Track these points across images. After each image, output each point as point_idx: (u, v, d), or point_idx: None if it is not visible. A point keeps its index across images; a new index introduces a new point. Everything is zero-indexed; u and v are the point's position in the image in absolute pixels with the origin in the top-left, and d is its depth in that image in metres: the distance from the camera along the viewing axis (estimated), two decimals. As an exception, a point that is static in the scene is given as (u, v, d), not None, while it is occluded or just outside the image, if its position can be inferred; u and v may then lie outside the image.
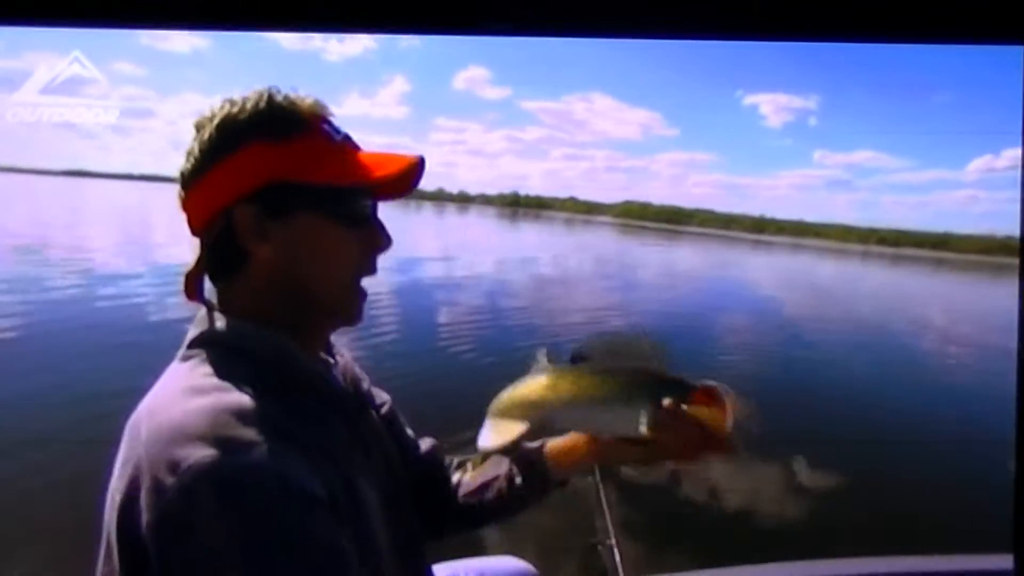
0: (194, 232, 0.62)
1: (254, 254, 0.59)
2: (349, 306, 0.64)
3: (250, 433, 0.48)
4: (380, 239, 0.64)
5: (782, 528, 3.28)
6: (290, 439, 0.51)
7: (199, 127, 0.61)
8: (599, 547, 1.23)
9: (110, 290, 7.54)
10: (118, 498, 0.50)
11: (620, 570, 1.18)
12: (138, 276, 8.61)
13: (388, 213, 0.66)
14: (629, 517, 3.17)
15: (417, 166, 0.63)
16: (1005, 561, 0.83)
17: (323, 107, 0.63)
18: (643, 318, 9.27)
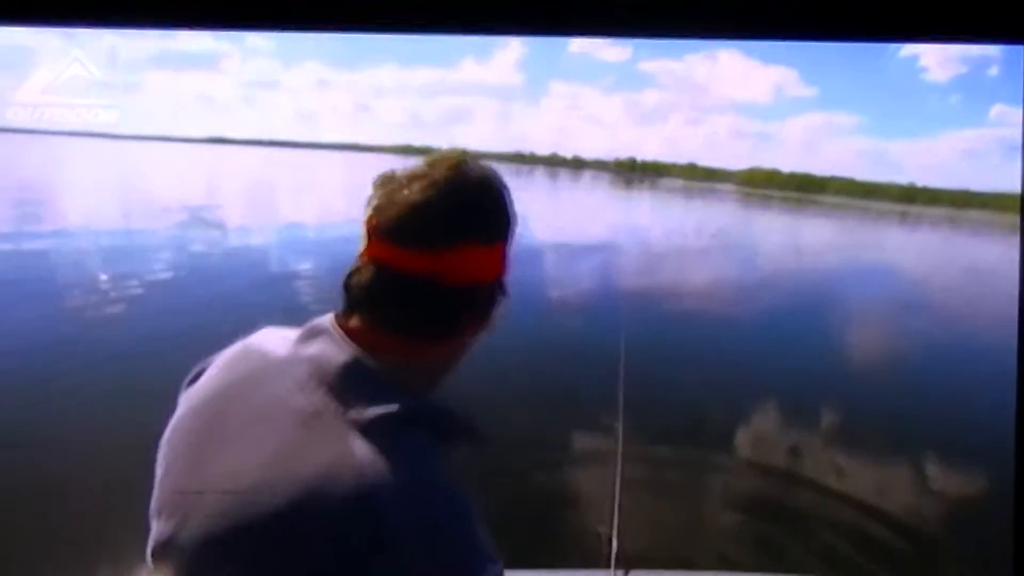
0: (423, 280, 0.56)
1: (463, 330, 0.60)
2: None
3: (488, 544, 0.55)
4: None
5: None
6: None
7: (441, 184, 0.57)
8: (601, 536, 1.31)
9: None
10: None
11: (612, 562, 1.27)
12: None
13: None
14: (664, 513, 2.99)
15: None
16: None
17: None
18: (761, 293, 8.67)
